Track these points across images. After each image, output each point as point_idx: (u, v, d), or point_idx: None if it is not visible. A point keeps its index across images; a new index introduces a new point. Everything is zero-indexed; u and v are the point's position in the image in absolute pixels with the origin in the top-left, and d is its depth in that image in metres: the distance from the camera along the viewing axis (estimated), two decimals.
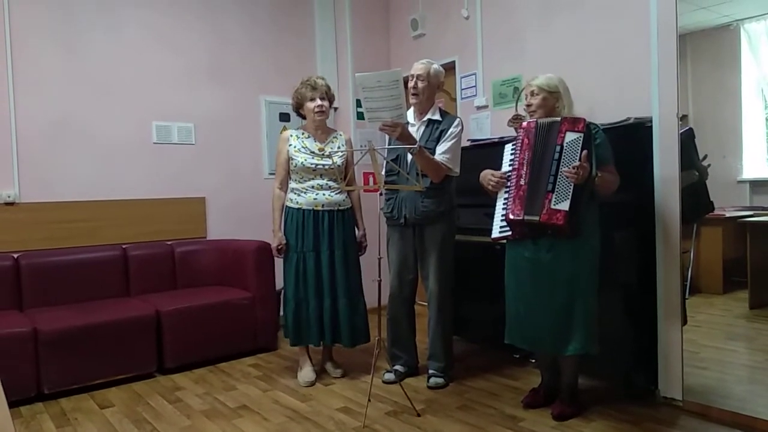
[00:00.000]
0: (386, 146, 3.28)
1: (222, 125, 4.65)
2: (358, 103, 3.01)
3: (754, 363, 3.00)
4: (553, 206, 2.55)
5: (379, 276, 2.98)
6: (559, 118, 2.65)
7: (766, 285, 2.97)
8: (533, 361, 3.36)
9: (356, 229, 3.45)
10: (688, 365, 2.80)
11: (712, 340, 3.04)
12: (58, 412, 3.02)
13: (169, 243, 4.23)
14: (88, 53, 4.03)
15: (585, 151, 2.50)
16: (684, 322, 2.84)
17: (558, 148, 2.59)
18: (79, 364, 3.23)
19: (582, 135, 2.54)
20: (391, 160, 3.18)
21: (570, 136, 2.57)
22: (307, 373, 3.37)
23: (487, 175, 2.82)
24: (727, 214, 3.01)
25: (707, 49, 3.11)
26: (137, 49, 4.24)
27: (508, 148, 2.83)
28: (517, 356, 3.48)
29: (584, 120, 2.58)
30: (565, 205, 2.52)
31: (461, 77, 4.62)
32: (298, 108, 3.37)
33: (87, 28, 4.02)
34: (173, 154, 4.40)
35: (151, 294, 3.90)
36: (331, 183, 3.30)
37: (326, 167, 3.28)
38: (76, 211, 3.96)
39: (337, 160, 3.31)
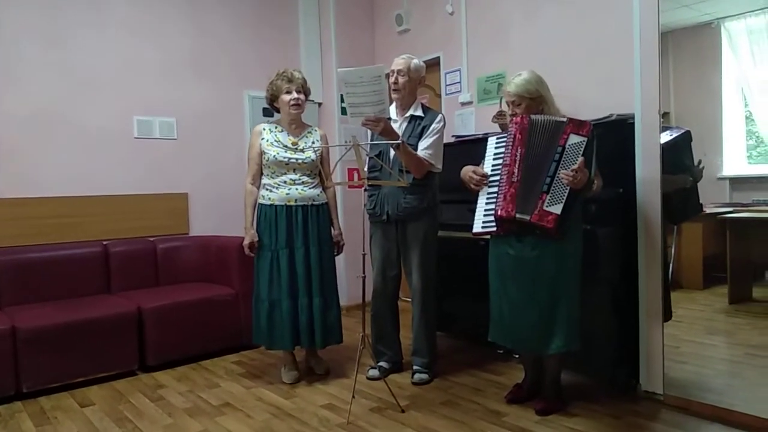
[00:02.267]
0: (369, 142, 3.26)
1: (204, 120, 4.60)
2: (343, 98, 2.99)
3: (733, 357, 3.04)
4: (545, 208, 2.52)
5: (363, 272, 2.98)
6: (564, 119, 2.58)
7: (746, 280, 3.01)
8: (517, 356, 3.38)
9: (332, 228, 3.39)
10: (669, 360, 2.84)
11: (692, 335, 3.08)
12: (38, 411, 2.97)
13: (151, 239, 4.19)
14: (68, 46, 3.96)
15: (582, 158, 2.46)
16: (668, 317, 2.87)
17: (559, 149, 2.54)
18: (59, 363, 3.18)
19: (586, 139, 2.51)
20: (375, 156, 3.17)
21: (573, 139, 2.52)
22: (290, 370, 3.35)
23: (468, 172, 2.77)
24: (708, 211, 3.04)
25: (689, 47, 3.14)
26: (119, 42, 4.17)
27: (493, 141, 2.78)
28: (501, 352, 3.50)
29: (590, 124, 2.54)
30: (557, 209, 2.49)
31: (446, 73, 4.62)
32: (273, 101, 3.30)
33: (68, 20, 3.95)
34: (155, 149, 4.35)
35: (132, 291, 3.86)
36: (304, 178, 3.24)
37: (299, 161, 3.23)
38: (56, 206, 3.89)
39: (311, 154, 3.25)
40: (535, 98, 2.66)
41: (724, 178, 3.03)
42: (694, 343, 3.05)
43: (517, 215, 2.57)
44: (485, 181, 2.73)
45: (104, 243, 3.97)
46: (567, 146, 2.53)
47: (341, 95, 2.95)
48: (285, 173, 3.23)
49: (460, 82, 4.49)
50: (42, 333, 3.13)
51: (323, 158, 3.36)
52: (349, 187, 4.36)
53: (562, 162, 2.53)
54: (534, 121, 2.63)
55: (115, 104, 4.16)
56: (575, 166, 2.45)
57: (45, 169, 3.87)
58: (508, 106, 2.73)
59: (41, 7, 3.85)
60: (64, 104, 3.95)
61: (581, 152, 2.49)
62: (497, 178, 2.69)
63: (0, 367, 3.01)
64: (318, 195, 3.29)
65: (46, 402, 3.08)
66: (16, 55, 3.76)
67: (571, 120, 2.57)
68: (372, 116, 2.90)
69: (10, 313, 3.30)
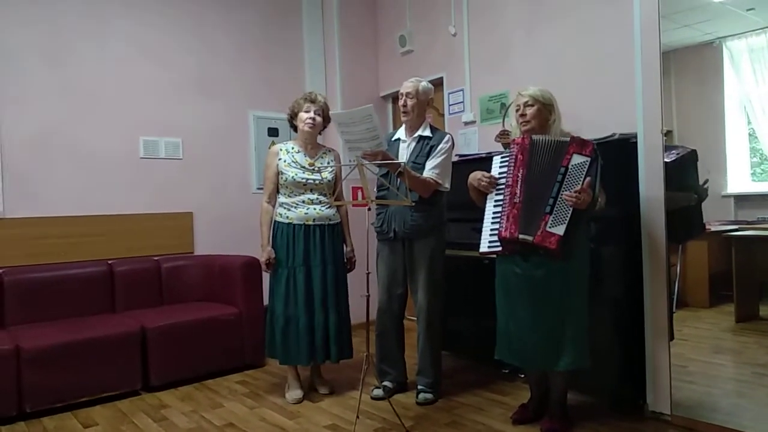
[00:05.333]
0: (374, 162, 3.28)
1: (210, 140, 4.63)
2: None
3: (741, 376, 3.01)
4: (548, 229, 2.51)
5: (368, 291, 2.97)
6: (567, 139, 2.59)
7: (752, 298, 2.99)
8: (522, 376, 3.35)
9: (344, 245, 3.44)
10: (675, 379, 2.81)
11: (699, 354, 3.05)
12: (41, 431, 2.96)
13: (155, 258, 4.20)
14: (74, 66, 4.01)
15: (588, 179, 2.47)
16: (671, 337, 2.85)
17: (562, 170, 2.54)
18: (62, 382, 3.17)
19: (589, 159, 2.51)
20: (381, 176, 3.20)
21: (576, 159, 2.53)
22: (294, 390, 3.33)
23: (477, 175, 2.77)
24: (713, 229, 3.04)
25: (691, 66, 3.16)
26: (124, 62, 4.23)
27: (497, 160, 2.79)
28: (506, 371, 3.47)
29: (593, 144, 2.54)
30: (560, 230, 2.49)
31: (449, 93, 4.66)
32: (293, 118, 3.39)
33: (73, 41, 4.01)
34: (160, 169, 4.38)
35: (136, 310, 3.86)
36: (321, 198, 3.31)
37: (316, 182, 3.29)
38: (61, 226, 3.91)
39: (327, 175, 3.31)
40: (546, 105, 2.68)
41: (728, 196, 3.03)
42: (702, 363, 3.02)
43: (520, 236, 2.57)
44: (494, 184, 2.72)
45: (109, 262, 3.98)
46: (570, 167, 2.54)
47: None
48: (303, 193, 3.29)
49: (463, 102, 4.52)
50: (45, 353, 3.12)
51: (337, 177, 3.41)
52: (353, 205, 4.36)
53: (565, 183, 2.53)
54: (535, 141, 2.64)
55: (121, 124, 4.20)
56: (578, 188, 2.46)
57: (50, 188, 3.90)
58: (519, 108, 2.73)
59: (45, 26, 3.90)
60: (70, 124, 3.99)
61: (584, 172, 2.50)
62: (501, 198, 2.70)
63: (3, 387, 3.00)
64: (334, 215, 3.36)
65: (48, 422, 3.06)
66: (21, 75, 3.80)
67: (573, 139, 2.58)
68: (369, 150, 2.97)
69: (14, 332, 3.30)
